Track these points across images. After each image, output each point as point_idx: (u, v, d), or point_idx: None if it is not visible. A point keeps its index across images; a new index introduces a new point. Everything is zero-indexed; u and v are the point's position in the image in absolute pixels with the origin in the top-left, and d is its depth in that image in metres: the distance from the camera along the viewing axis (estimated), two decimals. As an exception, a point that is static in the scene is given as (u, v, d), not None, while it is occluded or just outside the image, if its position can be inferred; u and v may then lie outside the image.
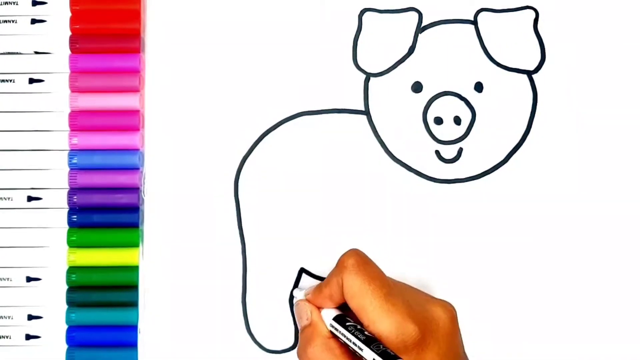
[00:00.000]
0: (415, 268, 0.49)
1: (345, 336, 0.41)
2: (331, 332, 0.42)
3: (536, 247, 0.49)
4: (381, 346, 0.39)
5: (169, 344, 0.49)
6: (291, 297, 0.49)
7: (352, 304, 0.41)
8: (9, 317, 0.48)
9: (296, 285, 0.49)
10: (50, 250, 0.49)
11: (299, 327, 0.45)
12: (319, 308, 0.43)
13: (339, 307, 0.43)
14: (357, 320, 0.41)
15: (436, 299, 0.42)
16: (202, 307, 0.49)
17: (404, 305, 0.40)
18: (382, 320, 0.40)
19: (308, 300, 0.44)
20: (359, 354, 0.40)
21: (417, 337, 0.39)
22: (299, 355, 0.43)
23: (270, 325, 0.49)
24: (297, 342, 0.49)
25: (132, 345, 0.48)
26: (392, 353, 0.38)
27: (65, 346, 0.48)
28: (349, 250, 0.43)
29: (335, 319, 0.42)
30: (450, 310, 0.41)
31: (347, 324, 0.41)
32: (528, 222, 0.49)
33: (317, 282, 0.46)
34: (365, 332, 0.40)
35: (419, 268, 0.49)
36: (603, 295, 0.49)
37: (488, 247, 0.49)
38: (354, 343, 0.40)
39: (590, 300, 0.49)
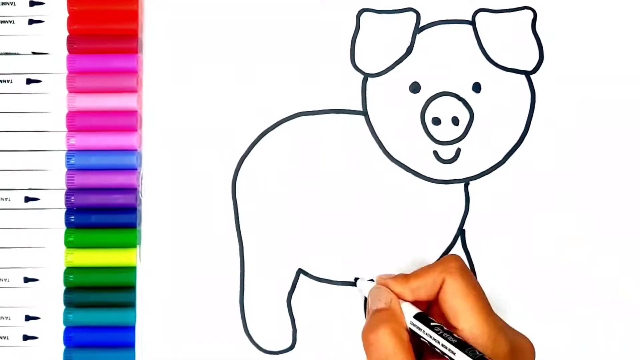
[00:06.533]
0: (413, 268, 0.49)
1: (430, 336, 0.40)
2: (410, 328, 0.41)
3: (535, 247, 0.49)
4: (477, 352, 0.38)
5: (166, 345, 0.49)
6: (289, 298, 0.49)
7: (450, 304, 0.40)
8: (6, 318, 0.48)
9: (294, 287, 0.49)
10: (47, 251, 0.49)
11: (368, 309, 0.43)
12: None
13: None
14: (443, 323, 0.40)
15: (521, 333, 0.42)
16: (199, 308, 0.49)
17: (500, 322, 0.40)
18: (481, 327, 0.39)
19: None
20: (448, 357, 0.38)
21: (508, 358, 0.39)
22: (364, 334, 0.41)
23: (268, 326, 0.49)
24: (294, 343, 0.49)
25: (130, 346, 0.48)
26: None
27: (63, 347, 0.48)
28: (451, 254, 0.43)
29: (417, 316, 0.41)
30: (533, 348, 0.41)
31: (432, 324, 0.40)
32: (526, 223, 0.49)
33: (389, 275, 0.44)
34: (455, 335, 0.39)
35: (417, 268, 0.49)
36: (604, 295, 0.49)
37: (486, 247, 0.49)
38: (442, 345, 0.39)
39: (590, 300, 0.49)
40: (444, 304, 0.41)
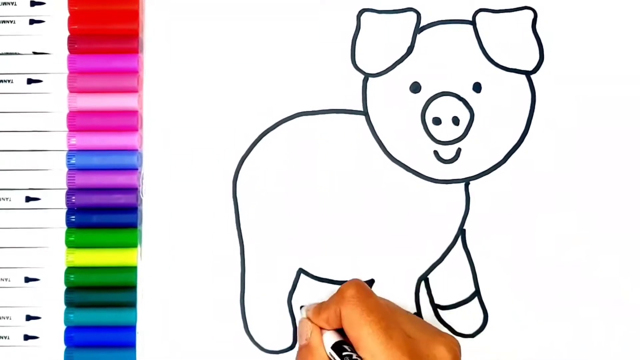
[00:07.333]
0: (414, 268, 0.49)
1: None
2: (329, 357, 0.42)
3: (536, 247, 0.49)
4: None
5: (167, 345, 0.49)
6: (290, 298, 0.49)
7: (350, 334, 0.41)
8: (7, 318, 0.48)
9: (294, 286, 0.49)
10: (48, 251, 0.49)
11: (298, 344, 0.44)
12: (322, 329, 0.43)
13: (341, 331, 0.42)
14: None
15: (442, 334, 0.41)
16: (200, 308, 0.49)
17: (404, 339, 0.40)
18: (380, 353, 0.39)
19: (309, 319, 0.44)
20: None
21: None
22: None
23: (269, 325, 0.49)
24: (295, 342, 0.49)
25: (131, 345, 0.48)
26: None
27: (64, 346, 0.48)
28: (350, 281, 0.42)
29: (334, 346, 0.42)
30: (454, 350, 0.40)
31: (344, 353, 0.41)
32: (527, 222, 0.49)
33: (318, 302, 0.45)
34: None
35: (417, 268, 0.49)
36: (605, 295, 0.49)
37: (487, 247, 0.49)
38: None
39: (591, 300, 0.49)
40: (347, 333, 0.41)
